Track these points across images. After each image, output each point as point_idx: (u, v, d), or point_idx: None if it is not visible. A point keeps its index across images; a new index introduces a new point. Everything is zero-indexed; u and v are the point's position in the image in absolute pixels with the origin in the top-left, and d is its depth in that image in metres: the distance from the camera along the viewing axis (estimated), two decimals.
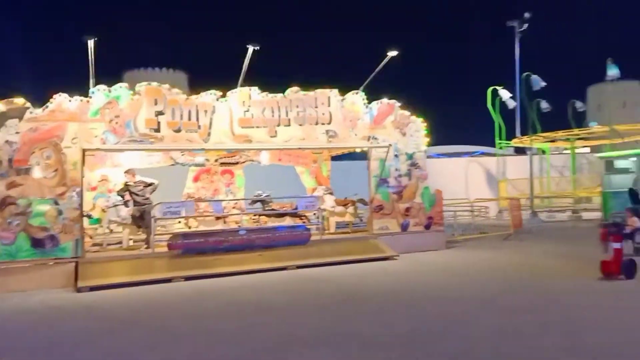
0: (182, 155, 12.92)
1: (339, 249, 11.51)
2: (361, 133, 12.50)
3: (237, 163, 13.58)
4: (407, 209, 12.76)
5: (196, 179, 13.39)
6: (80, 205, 10.20)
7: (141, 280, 9.64)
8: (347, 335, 5.91)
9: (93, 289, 9.31)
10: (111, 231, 11.48)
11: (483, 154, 32.41)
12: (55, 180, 10.02)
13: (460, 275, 9.65)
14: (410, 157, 12.89)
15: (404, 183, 12.80)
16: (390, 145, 12.38)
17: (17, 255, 9.67)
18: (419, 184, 12.95)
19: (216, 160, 13.40)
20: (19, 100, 9.91)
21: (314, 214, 12.74)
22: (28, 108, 9.91)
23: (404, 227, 12.71)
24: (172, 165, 13.06)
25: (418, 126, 13.03)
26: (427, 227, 12.95)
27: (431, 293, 8.20)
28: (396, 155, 12.66)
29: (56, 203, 9.95)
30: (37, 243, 9.80)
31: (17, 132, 9.79)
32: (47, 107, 10.04)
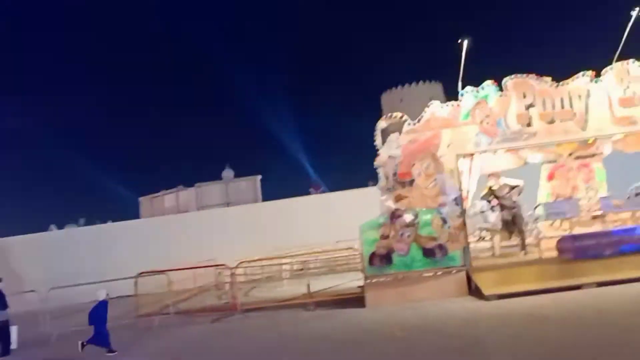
0: (532, 153, 11.91)
1: None
2: None
3: (594, 155, 11.95)
4: None
5: (550, 177, 12.21)
6: (462, 212, 9.94)
7: (547, 287, 8.75)
8: None
9: (501, 297, 8.80)
10: (482, 238, 11.03)
11: None
12: (435, 189, 9.97)
13: None
14: None
15: None
16: None
17: (412, 266, 9.81)
18: None
19: (570, 155, 12.00)
20: (398, 114, 10.22)
21: None
22: (406, 121, 10.13)
23: None
24: (523, 165, 12.12)
25: None
26: None
27: None
28: None
29: (439, 212, 9.87)
30: (428, 253, 9.81)
31: (398, 146, 10.07)
32: (421, 117, 10.13)
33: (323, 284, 12.74)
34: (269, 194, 31.17)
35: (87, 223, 36.30)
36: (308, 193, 36.13)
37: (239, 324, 10.00)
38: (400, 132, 10.08)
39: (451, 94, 12.12)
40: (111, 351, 8.28)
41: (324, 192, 37.60)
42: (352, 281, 12.28)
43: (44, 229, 29.58)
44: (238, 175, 35.44)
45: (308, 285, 11.07)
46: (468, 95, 10.06)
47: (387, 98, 45.13)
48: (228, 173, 35.79)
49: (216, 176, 35.28)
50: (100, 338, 8.36)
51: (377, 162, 10.12)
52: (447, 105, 10.07)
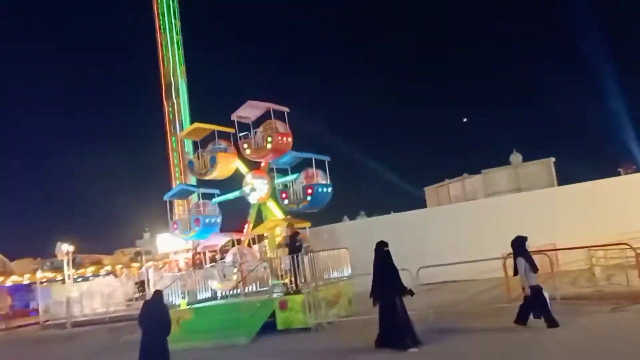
0: None
1: None
2: None
3: None
4: None
5: None
6: None
7: None
8: None
9: None
10: None
11: None
12: None
13: None
14: None
15: None
16: None
17: None
18: None
19: None
20: None
21: None
22: None
23: None
24: None
25: None
26: None
27: None
28: None
29: None
30: None
31: None
32: None
33: None
34: (565, 178, 27.71)
35: (368, 215, 38.70)
36: (617, 173, 31.10)
37: None
38: None
39: None
40: None
41: (637, 171, 31.87)
42: None
43: (338, 219, 32.63)
44: (527, 159, 32.98)
45: None
46: None
47: None
48: (516, 157, 33.50)
49: (502, 162, 33.44)
50: None
51: None
52: None
